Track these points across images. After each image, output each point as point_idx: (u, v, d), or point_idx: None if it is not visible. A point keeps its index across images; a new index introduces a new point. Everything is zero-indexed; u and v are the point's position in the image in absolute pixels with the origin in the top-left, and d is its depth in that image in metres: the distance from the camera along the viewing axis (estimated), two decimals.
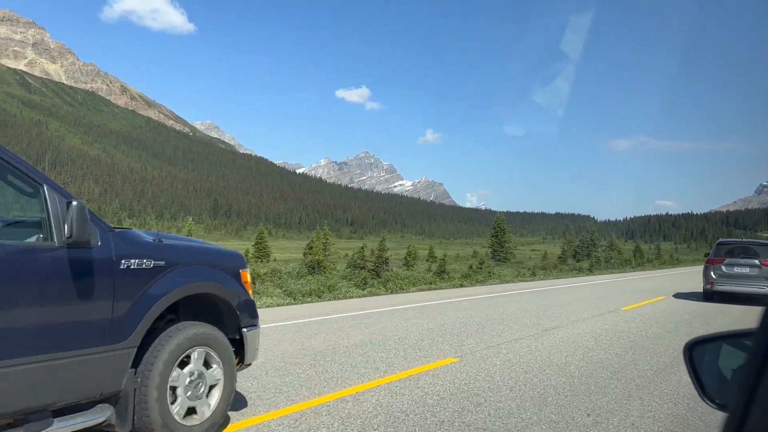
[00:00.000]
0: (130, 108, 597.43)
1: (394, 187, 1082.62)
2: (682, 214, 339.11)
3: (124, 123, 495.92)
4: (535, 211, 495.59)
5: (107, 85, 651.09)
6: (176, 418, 3.91)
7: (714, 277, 15.77)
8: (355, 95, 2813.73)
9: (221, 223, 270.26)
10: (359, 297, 16.98)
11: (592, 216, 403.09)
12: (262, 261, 49.11)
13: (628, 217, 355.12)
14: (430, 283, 22.35)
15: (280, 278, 28.63)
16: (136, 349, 3.74)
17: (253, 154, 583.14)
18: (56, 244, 3.38)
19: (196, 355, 4.12)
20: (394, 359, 7.07)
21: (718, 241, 17.45)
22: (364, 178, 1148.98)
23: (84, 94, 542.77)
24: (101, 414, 3.61)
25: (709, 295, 16.08)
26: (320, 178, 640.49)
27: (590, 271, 45.28)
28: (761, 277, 15.20)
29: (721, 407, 1.46)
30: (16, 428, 3.18)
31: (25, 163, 3.38)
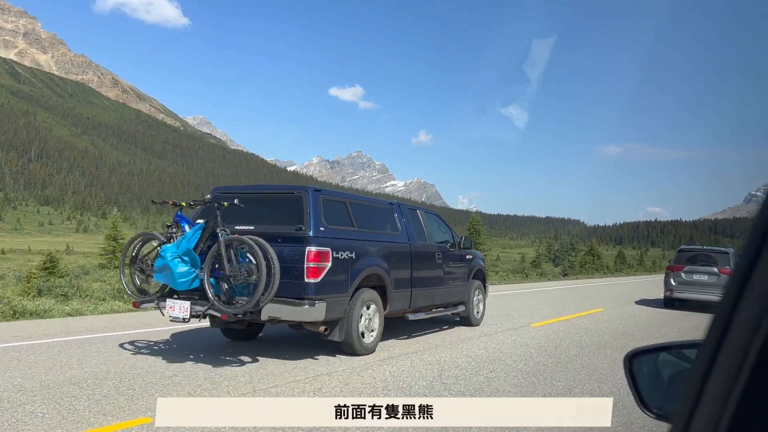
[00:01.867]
0: (121, 101, 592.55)
1: (386, 187, 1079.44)
2: (671, 220, 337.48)
3: (114, 116, 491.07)
4: (526, 215, 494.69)
5: (98, 77, 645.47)
6: (475, 313, 10.42)
7: (674, 284, 15.39)
8: (348, 94, 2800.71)
9: None
10: None
11: (582, 221, 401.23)
12: None
13: (618, 223, 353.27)
14: None
15: None
16: (467, 284, 10.12)
17: (244, 150, 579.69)
18: (455, 249, 9.95)
19: (479, 290, 10.64)
20: (68, 412, 4.44)
21: (680, 247, 17.13)
22: (356, 177, 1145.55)
23: (74, 85, 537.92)
24: (462, 308, 9.93)
25: (669, 302, 15.59)
26: (312, 176, 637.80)
27: (566, 275, 43.11)
28: (719, 285, 14.44)
29: (658, 417, 1.49)
30: (443, 309, 9.42)
31: (445, 222, 10.53)
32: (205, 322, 7.22)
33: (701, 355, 0.67)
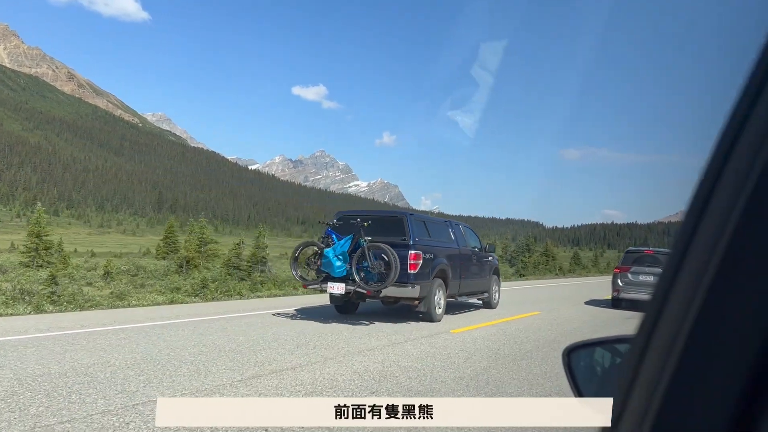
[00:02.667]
0: (77, 95, 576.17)
1: (349, 187, 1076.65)
2: (627, 223, 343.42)
3: (69, 110, 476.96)
4: (487, 216, 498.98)
5: (53, 71, 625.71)
6: (494, 299, 13.95)
7: (621, 284, 15.60)
8: (312, 93, 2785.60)
9: (165, 217, 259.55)
10: (150, 305, 13.15)
11: (541, 222, 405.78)
12: (166, 258, 44.49)
13: (575, 225, 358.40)
14: (295, 287, 18.62)
15: (134, 276, 24.47)
16: (489, 278, 13.63)
17: (204, 148, 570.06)
18: (482, 252, 13.56)
19: (496, 282, 14.09)
20: None
21: (627, 249, 17.36)
22: (319, 177, 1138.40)
23: (27, 78, 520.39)
24: (486, 295, 13.57)
25: (616, 302, 15.81)
26: (273, 175, 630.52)
27: (522, 276, 42.63)
28: None
29: None
30: (474, 295, 13.23)
31: (475, 232, 14.25)
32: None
33: (632, 349, 0.70)
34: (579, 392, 1.55)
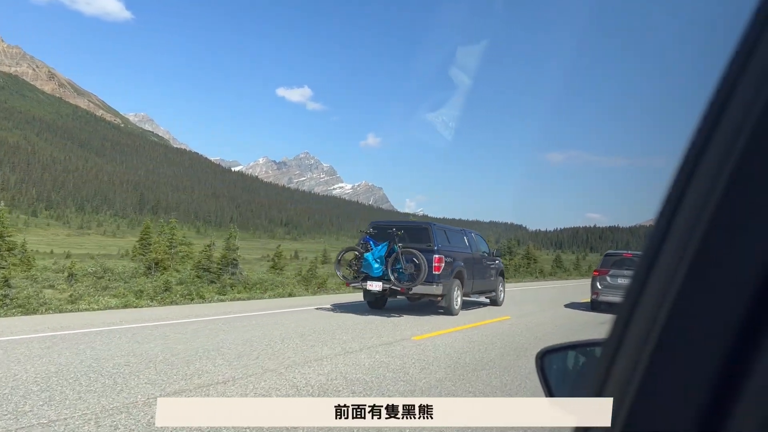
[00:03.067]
0: (57, 95, 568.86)
1: (334, 189, 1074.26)
2: (609, 227, 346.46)
3: (50, 110, 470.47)
4: (471, 219, 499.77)
5: (33, 70, 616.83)
6: (500, 298, 15.92)
7: (599, 287, 15.68)
8: (296, 95, 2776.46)
9: (147, 219, 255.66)
10: (102, 309, 12.45)
11: (524, 225, 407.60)
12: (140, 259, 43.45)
13: (558, 228, 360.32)
14: (264, 290, 17.95)
15: (100, 278, 23.62)
16: (496, 279, 15.82)
17: (186, 149, 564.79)
18: (490, 256, 15.49)
19: (501, 283, 16.07)
20: None
21: (606, 252, 17.32)
22: (303, 179, 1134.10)
23: (6, 77, 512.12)
24: (493, 294, 15.54)
25: (596, 305, 15.87)
26: (257, 177, 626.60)
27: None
28: None
29: None
30: (480, 293, 14.88)
31: (484, 239, 16.15)
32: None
33: (605, 351, 0.71)
34: (552, 395, 1.55)
